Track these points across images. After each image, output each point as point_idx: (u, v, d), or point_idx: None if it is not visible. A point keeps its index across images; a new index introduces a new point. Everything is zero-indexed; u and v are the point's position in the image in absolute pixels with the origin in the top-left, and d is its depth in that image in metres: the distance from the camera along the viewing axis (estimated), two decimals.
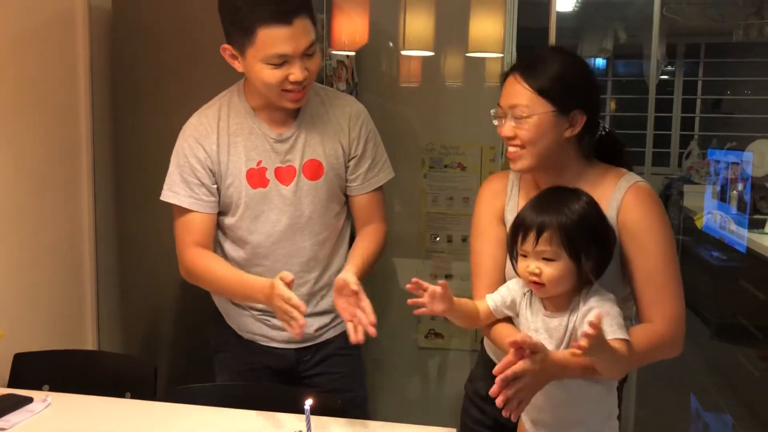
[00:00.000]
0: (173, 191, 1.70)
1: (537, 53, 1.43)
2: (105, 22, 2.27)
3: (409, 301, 1.35)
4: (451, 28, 2.82)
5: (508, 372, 1.19)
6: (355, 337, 1.50)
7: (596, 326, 1.13)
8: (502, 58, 2.82)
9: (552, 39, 2.89)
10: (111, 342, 2.33)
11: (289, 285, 1.49)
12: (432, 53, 2.87)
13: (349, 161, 1.75)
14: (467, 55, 2.84)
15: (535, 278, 1.30)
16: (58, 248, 2.14)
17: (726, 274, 4.53)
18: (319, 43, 2.33)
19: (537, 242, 1.28)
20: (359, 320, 1.50)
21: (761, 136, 4.82)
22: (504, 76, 1.43)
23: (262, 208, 1.70)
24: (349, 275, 1.56)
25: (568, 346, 1.30)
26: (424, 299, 1.33)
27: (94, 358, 2.03)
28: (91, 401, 1.62)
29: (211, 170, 1.69)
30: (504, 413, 1.23)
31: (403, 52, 2.89)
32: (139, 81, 2.24)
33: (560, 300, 1.32)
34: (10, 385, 1.75)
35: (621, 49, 5.27)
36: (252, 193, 1.69)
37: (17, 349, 1.84)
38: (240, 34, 1.57)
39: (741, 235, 4.11)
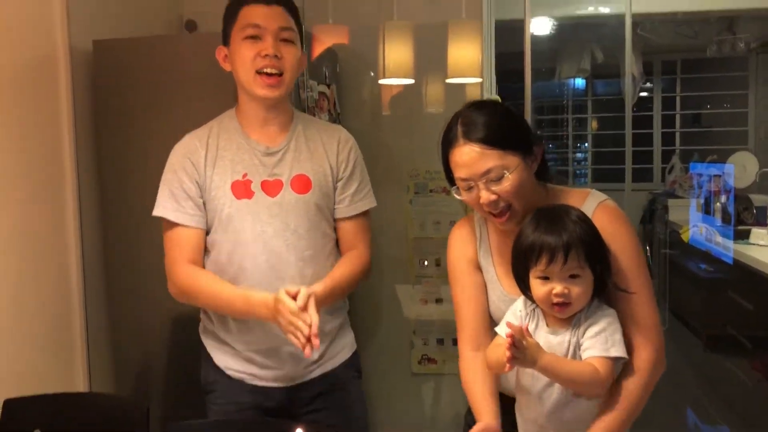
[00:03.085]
0: (161, 206, 1.73)
1: (464, 117, 1.40)
2: (86, 62, 2.29)
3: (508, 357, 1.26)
4: (430, 56, 2.87)
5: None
6: (306, 351, 1.50)
7: (510, 336, 1.19)
8: (481, 82, 2.87)
9: (528, 62, 2.95)
10: (102, 383, 2.31)
11: (294, 298, 1.50)
12: (412, 81, 2.91)
13: (337, 182, 1.77)
14: (447, 81, 2.88)
15: (562, 300, 1.28)
16: (47, 292, 2.13)
17: (714, 286, 4.56)
18: (301, 76, 2.37)
19: (566, 261, 1.27)
20: (304, 337, 1.50)
21: (741, 148, 4.90)
22: (444, 152, 1.42)
23: (246, 218, 1.69)
24: (303, 288, 1.54)
25: None
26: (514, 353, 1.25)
27: (86, 400, 2.00)
28: None
29: (197, 183, 1.71)
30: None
31: (384, 81, 2.92)
32: (121, 117, 2.27)
33: (563, 318, 1.33)
34: None
35: (599, 69, 5.35)
36: (237, 204, 1.69)
37: (7, 394, 1.81)
38: (229, 21, 1.70)
39: (727, 247, 4.15)
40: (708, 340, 4.70)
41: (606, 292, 1.35)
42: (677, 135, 5.83)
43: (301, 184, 1.72)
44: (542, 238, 1.30)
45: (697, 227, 4.80)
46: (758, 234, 3.75)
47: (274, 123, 1.74)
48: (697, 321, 4.95)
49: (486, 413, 1.38)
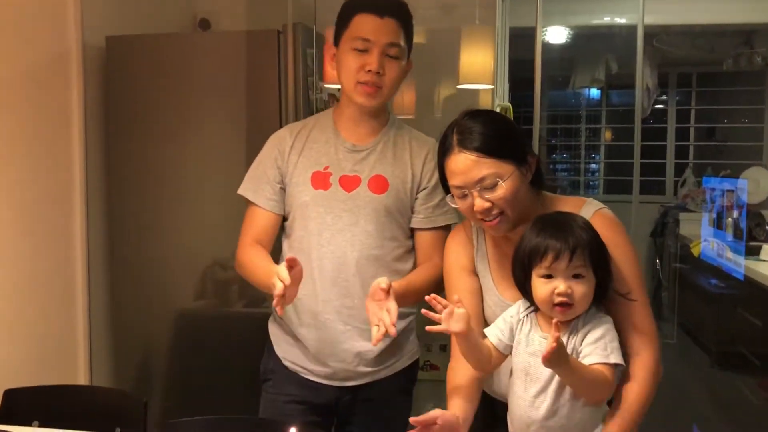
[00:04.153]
0: (244, 185, 1.81)
1: (460, 126, 1.42)
2: (99, 59, 2.32)
3: (423, 311, 1.33)
4: (443, 61, 2.87)
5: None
6: (374, 338, 1.48)
7: (557, 338, 1.18)
8: (493, 89, 2.86)
9: (538, 70, 2.94)
10: (103, 377, 2.33)
11: (291, 264, 1.50)
12: (424, 85, 2.92)
13: (419, 192, 1.78)
14: (459, 87, 2.88)
15: (565, 299, 1.29)
16: (50, 284, 2.16)
17: (724, 302, 4.52)
18: (309, 77, 2.38)
19: (572, 259, 1.29)
20: (383, 321, 1.48)
21: (754, 164, 4.86)
22: (440, 161, 1.44)
23: (319, 209, 1.74)
24: (383, 278, 1.53)
25: None
26: (442, 316, 1.30)
27: (84, 393, 2.02)
28: None
29: (280, 169, 1.78)
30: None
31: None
32: (132, 115, 2.29)
33: (561, 323, 1.32)
34: (0, 422, 1.74)
35: (614, 80, 5.34)
36: (313, 193, 1.74)
37: (7, 384, 1.83)
38: (341, 23, 1.74)
39: (738, 263, 4.11)
40: (716, 356, 4.67)
41: (606, 298, 1.35)
42: (691, 148, 5.80)
43: (379, 185, 1.75)
44: (548, 239, 1.31)
45: (708, 242, 4.76)
46: None
47: (366, 125, 1.78)
48: (706, 336, 4.91)
49: (452, 406, 1.41)
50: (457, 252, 1.55)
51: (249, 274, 1.77)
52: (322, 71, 2.56)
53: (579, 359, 1.29)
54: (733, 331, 4.47)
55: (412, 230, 1.81)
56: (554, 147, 6.56)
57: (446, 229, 1.80)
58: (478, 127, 1.40)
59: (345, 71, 1.72)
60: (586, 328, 1.30)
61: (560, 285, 1.29)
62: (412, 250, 1.81)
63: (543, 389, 1.32)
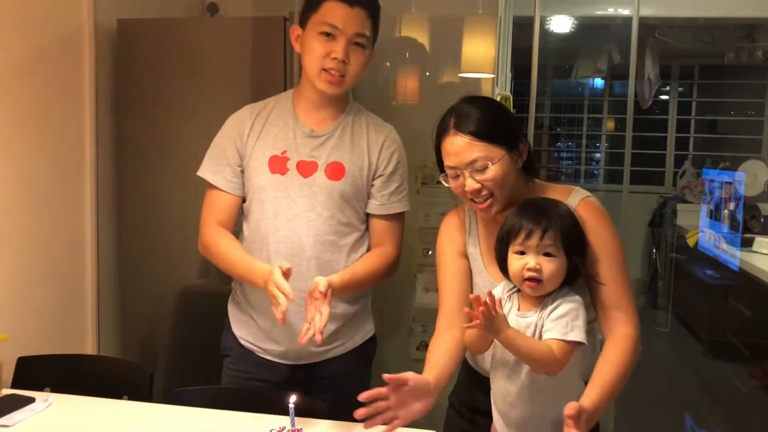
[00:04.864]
0: (205, 166, 1.84)
1: (458, 109, 1.49)
2: (110, 41, 2.37)
3: (467, 311, 1.33)
4: (445, 49, 2.91)
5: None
6: (300, 337, 1.56)
7: (478, 301, 1.27)
8: (494, 78, 2.90)
9: (535, 60, 2.98)
10: (110, 348, 2.40)
11: (286, 274, 1.57)
12: (427, 73, 2.96)
13: (375, 179, 1.82)
14: (460, 75, 2.92)
15: (534, 274, 1.36)
16: (61, 257, 2.23)
17: (717, 292, 4.58)
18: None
19: (542, 238, 1.36)
20: (313, 325, 1.55)
21: (753, 157, 4.90)
22: (437, 141, 1.50)
23: (276, 193, 1.77)
24: (322, 279, 1.60)
25: None
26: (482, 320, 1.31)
27: (94, 362, 2.10)
28: (90, 402, 1.70)
29: (239, 152, 1.80)
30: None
31: (399, 72, 2.98)
32: (142, 95, 2.34)
33: (534, 300, 1.41)
34: (13, 387, 1.82)
35: (616, 70, 5.37)
36: (270, 177, 1.77)
37: (21, 352, 1.91)
38: (309, 7, 1.75)
39: (733, 254, 4.16)
40: (709, 345, 4.73)
41: (577, 282, 1.43)
42: (691, 140, 5.84)
43: (335, 171, 1.78)
44: (524, 219, 1.39)
45: (705, 233, 4.82)
46: (761, 242, 3.78)
47: (325, 110, 1.81)
48: (699, 326, 4.98)
49: (426, 371, 1.47)
50: (450, 235, 1.62)
51: (220, 261, 1.79)
52: None
53: (543, 333, 1.37)
54: (726, 321, 4.53)
55: (367, 215, 1.85)
56: (558, 136, 6.60)
57: (400, 216, 1.86)
58: (474, 112, 1.46)
59: (310, 55, 1.73)
60: (554, 305, 1.38)
61: (531, 261, 1.37)
62: (367, 233, 1.85)
63: (518, 363, 1.40)
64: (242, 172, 1.81)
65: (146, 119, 2.34)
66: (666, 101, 5.80)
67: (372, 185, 1.83)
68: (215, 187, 1.81)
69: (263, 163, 1.78)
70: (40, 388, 1.78)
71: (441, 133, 1.50)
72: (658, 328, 5.30)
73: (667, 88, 5.81)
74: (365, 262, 1.80)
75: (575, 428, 1.28)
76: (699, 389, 4.32)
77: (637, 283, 5.98)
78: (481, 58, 2.92)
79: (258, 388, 1.81)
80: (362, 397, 1.39)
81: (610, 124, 6.16)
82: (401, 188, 1.86)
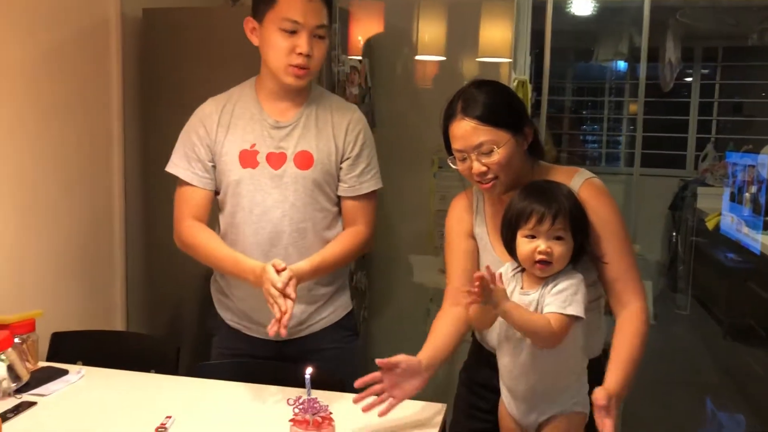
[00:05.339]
0: (174, 163, 1.86)
1: (465, 94, 1.53)
2: (136, 30, 2.45)
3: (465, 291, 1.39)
4: (463, 34, 2.94)
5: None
6: (269, 328, 1.60)
7: (481, 277, 1.33)
8: (510, 62, 2.94)
9: (548, 42, 3.00)
10: (139, 324, 2.51)
11: (280, 273, 1.62)
12: (444, 58, 3.00)
13: (342, 162, 1.84)
14: (477, 60, 2.96)
15: (545, 257, 1.41)
16: (92, 239, 2.33)
17: (737, 276, 4.58)
18: (333, 50, 2.48)
19: (553, 223, 1.41)
20: (282, 317, 1.58)
21: None
22: (445, 125, 1.54)
23: (249, 186, 1.80)
24: (284, 273, 1.62)
25: None
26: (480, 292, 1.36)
27: (123, 337, 2.20)
28: (120, 374, 1.79)
29: (209, 147, 1.82)
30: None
31: (418, 57, 3.02)
32: (167, 83, 2.42)
33: (537, 279, 1.46)
34: (48, 360, 1.91)
35: (637, 53, 5.34)
36: (241, 172, 1.80)
37: (55, 328, 2.01)
38: (264, 2, 1.73)
39: (755, 238, 4.15)
40: (728, 328, 4.74)
41: (584, 261, 1.48)
42: (713, 123, 5.78)
43: (304, 161, 1.80)
44: (534, 204, 1.44)
45: (726, 216, 4.80)
46: None
47: (288, 98, 1.82)
48: (719, 309, 4.98)
49: (422, 351, 1.54)
50: (458, 216, 1.67)
51: (202, 256, 1.82)
52: (344, 45, 2.67)
53: (543, 307, 1.42)
54: (745, 304, 4.53)
55: (338, 197, 1.87)
56: (580, 119, 6.58)
57: (371, 195, 1.88)
58: (481, 96, 1.51)
59: (273, 51, 1.73)
60: (555, 282, 1.43)
61: (542, 244, 1.42)
62: (340, 214, 1.88)
63: (522, 339, 1.46)
64: (214, 167, 1.83)
65: (171, 104, 2.41)
66: (688, 84, 5.76)
67: (340, 168, 1.84)
68: (188, 183, 1.83)
69: (234, 158, 1.80)
70: (73, 362, 1.86)
71: (448, 117, 1.54)
72: (677, 311, 5.30)
73: (690, 70, 5.76)
74: (336, 245, 1.83)
75: (608, 417, 1.32)
76: (718, 372, 4.34)
77: (657, 266, 5.97)
78: (498, 43, 2.95)
79: (276, 364, 1.88)
80: (357, 383, 1.46)
81: (633, 107, 6.13)
82: (369, 168, 1.87)
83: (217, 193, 1.86)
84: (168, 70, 2.41)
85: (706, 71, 5.81)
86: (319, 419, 1.27)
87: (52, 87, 2.12)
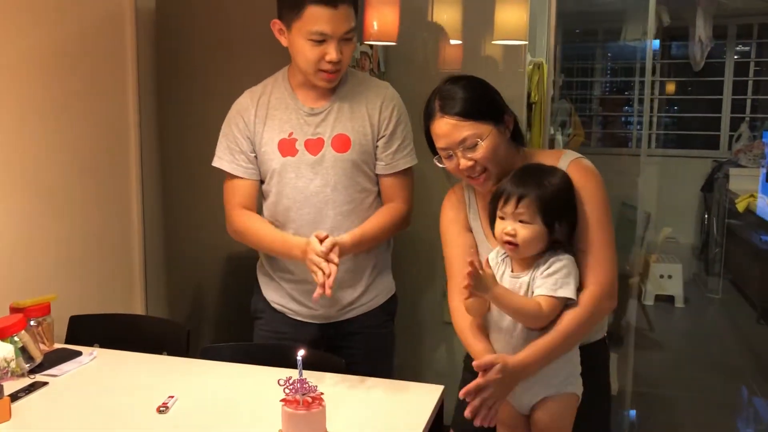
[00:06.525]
0: (219, 157, 1.94)
1: (441, 92, 1.54)
2: (150, 21, 2.49)
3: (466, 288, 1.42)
4: (478, 17, 2.91)
5: (470, 386, 1.38)
6: (316, 294, 1.65)
7: (473, 264, 1.35)
8: (525, 45, 2.90)
9: (552, 23, 2.96)
10: (158, 308, 2.57)
11: (323, 242, 1.68)
12: (459, 42, 2.98)
13: (378, 140, 1.88)
14: (493, 42, 2.93)
15: (510, 238, 1.43)
16: (110, 223, 2.39)
17: None
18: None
19: (517, 206, 1.43)
20: (326, 281, 1.64)
21: None
22: (426, 125, 1.56)
23: (290, 174, 1.86)
24: (327, 240, 1.69)
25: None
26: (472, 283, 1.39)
27: (137, 321, 2.26)
28: (131, 356, 1.85)
29: (249, 139, 1.89)
30: (476, 422, 1.40)
31: (432, 41, 3.00)
32: (182, 73, 2.45)
33: (526, 262, 1.47)
34: (66, 343, 1.98)
35: (666, 32, 5.22)
36: (282, 161, 1.86)
37: (72, 311, 2.09)
38: (290, 9, 1.77)
39: None
40: (763, 311, 4.64)
41: (562, 247, 1.48)
42: (748, 102, 5.63)
43: (341, 143, 1.85)
44: (506, 185, 1.46)
45: (762, 198, 4.69)
46: None
47: (321, 88, 1.86)
48: (753, 292, 4.88)
49: (481, 351, 1.52)
50: (453, 211, 1.68)
51: (255, 242, 1.90)
52: (360, 31, 2.67)
53: (534, 289, 1.43)
54: None
55: (377, 175, 1.91)
56: (608, 101, 6.47)
57: (407, 171, 1.92)
58: (458, 92, 1.52)
59: (302, 58, 1.78)
60: (546, 264, 1.44)
61: (507, 225, 1.44)
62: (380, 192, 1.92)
63: (513, 324, 1.47)
64: (256, 157, 1.90)
65: (187, 90, 2.45)
66: (722, 63, 5.61)
67: (376, 147, 1.89)
68: (234, 176, 1.91)
69: (273, 147, 1.86)
70: (90, 344, 1.93)
71: (428, 117, 1.56)
72: (709, 295, 5.22)
73: (724, 49, 5.61)
74: (375, 220, 1.88)
75: (480, 377, 1.38)
76: (752, 356, 4.26)
77: (689, 249, 5.87)
78: (514, 25, 2.91)
79: (282, 346, 1.93)
80: (462, 394, 1.43)
81: (670, 87, 6.00)
82: (404, 144, 1.91)
83: (261, 181, 1.93)
84: (183, 56, 2.44)
85: (738, 48, 5.66)
86: (309, 399, 1.30)
87: (69, 77, 2.17)
